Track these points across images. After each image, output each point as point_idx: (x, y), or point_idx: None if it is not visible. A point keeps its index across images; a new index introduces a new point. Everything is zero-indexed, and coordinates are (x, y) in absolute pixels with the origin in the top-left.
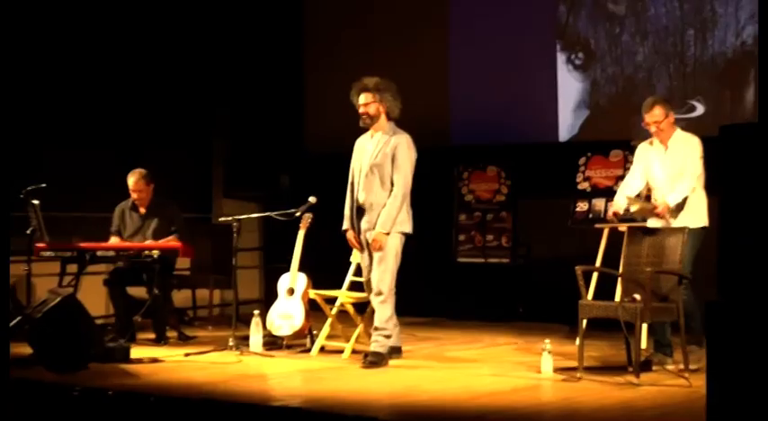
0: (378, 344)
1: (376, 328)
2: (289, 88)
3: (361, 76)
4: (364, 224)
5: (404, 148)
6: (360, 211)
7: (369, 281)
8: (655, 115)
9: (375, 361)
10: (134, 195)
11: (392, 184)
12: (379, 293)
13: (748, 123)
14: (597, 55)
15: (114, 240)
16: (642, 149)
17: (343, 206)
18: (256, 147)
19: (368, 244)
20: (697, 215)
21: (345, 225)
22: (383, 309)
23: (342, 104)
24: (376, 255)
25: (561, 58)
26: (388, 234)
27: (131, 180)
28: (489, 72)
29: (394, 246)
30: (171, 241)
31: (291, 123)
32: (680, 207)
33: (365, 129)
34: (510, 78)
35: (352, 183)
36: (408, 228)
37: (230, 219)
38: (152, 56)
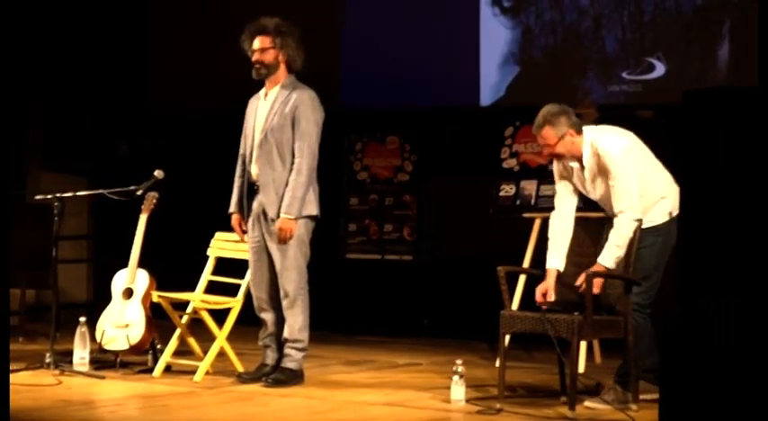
0: (290, 358)
1: (286, 340)
2: (127, 29)
3: (220, 17)
4: (257, 206)
5: (307, 108)
6: (252, 190)
7: (257, 281)
8: (544, 137)
9: (281, 379)
10: None
11: (293, 155)
12: (285, 295)
13: (720, 88)
14: None
15: None
16: (558, 168)
17: (207, 182)
18: (84, 104)
19: (261, 231)
20: (659, 206)
21: (232, 207)
22: (293, 315)
23: (198, 51)
24: (275, 249)
25: None
26: (296, 219)
27: None
28: (391, 14)
29: (297, 235)
30: None
31: (131, 74)
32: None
33: (237, 85)
34: (418, 23)
35: (244, 155)
36: (315, 210)
37: (50, 197)
38: None
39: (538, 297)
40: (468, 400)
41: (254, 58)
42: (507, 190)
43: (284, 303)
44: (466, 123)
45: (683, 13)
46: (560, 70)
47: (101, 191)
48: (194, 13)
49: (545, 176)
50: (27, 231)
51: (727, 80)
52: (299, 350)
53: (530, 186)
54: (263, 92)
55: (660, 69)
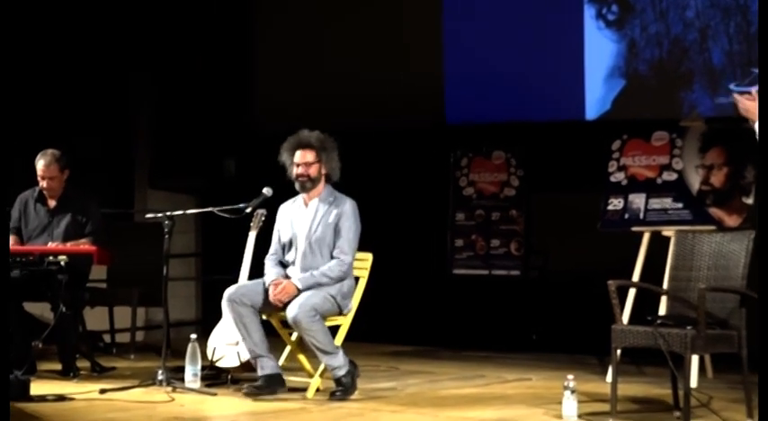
0: (336, 368)
1: (321, 352)
2: (234, 45)
3: (326, 31)
4: None
5: (349, 217)
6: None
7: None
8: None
9: (344, 386)
10: (43, 183)
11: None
12: (295, 324)
13: None
14: (636, 8)
15: (11, 241)
16: None
17: None
18: (191, 122)
19: None
20: None
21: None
22: (310, 336)
23: (304, 68)
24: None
25: (589, 13)
26: (299, 291)
27: (41, 163)
28: (495, 30)
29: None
30: (83, 244)
31: (237, 91)
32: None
33: (342, 101)
34: (522, 38)
35: (277, 255)
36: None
37: (160, 215)
38: None
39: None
40: (580, 416)
41: (299, 171)
42: (615, 204)
43: (295, 329)
44: (572, 137)
45: None
46: (666, 83)
47: (210, 209)
48: (299, 30)
49: (653, 190)
50: (136, 250)
51: None
52: (335, 354)
53: (638, 200)
54: (300, 200)
55: None
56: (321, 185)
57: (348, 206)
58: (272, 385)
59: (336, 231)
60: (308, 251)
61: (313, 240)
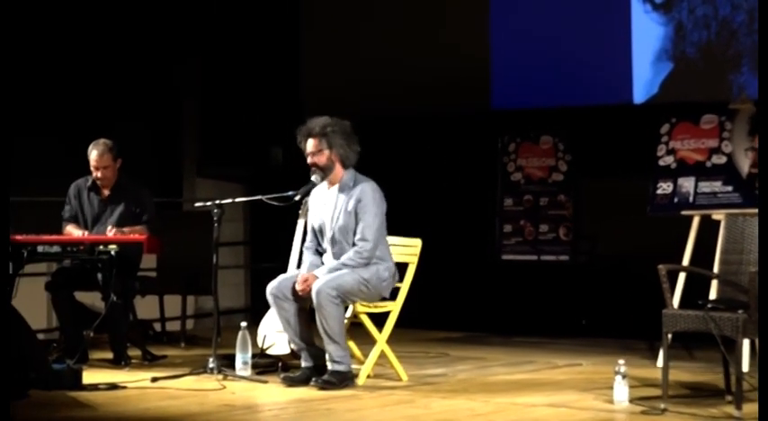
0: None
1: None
2: (280, 33)
3: (372, 17)
4: None
5: (369, 200)
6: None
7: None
8: None
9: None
10: (96, 173)
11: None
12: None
13: None
14: None
15: (71, 230)
16: None
17: None
18: (239, 110)
19: None
20: None
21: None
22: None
23: (350, 55)
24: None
25: None
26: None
27: (94, 154)
28: (542, 14)
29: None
30: (138, 232)
31: (285, 79)
32: None
33: (389, 87)
34: (569, 22)
35: (315, 241)
36: (386, 293)
37: (210, 203)
38: None
39: None
40: (631, 400)
41: (309, 161)
42: (664, 188)
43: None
44: (620, 121)
45: None
46: (715, 65)
47: (259, 197)
48: (345, 17)
49: (703, 173)
50: (185, 239)
51: None
52: (340, 346)
53: (687, 183)
54: (325, 186)
55: None
56: (339, 171)
57: (366, 189)
58: (309, 378)
59: (357, 217)
60: (335, 239)
61: (337, 230)
